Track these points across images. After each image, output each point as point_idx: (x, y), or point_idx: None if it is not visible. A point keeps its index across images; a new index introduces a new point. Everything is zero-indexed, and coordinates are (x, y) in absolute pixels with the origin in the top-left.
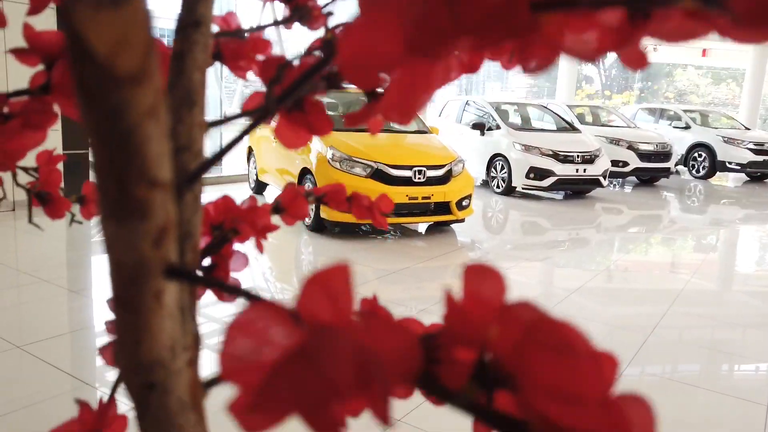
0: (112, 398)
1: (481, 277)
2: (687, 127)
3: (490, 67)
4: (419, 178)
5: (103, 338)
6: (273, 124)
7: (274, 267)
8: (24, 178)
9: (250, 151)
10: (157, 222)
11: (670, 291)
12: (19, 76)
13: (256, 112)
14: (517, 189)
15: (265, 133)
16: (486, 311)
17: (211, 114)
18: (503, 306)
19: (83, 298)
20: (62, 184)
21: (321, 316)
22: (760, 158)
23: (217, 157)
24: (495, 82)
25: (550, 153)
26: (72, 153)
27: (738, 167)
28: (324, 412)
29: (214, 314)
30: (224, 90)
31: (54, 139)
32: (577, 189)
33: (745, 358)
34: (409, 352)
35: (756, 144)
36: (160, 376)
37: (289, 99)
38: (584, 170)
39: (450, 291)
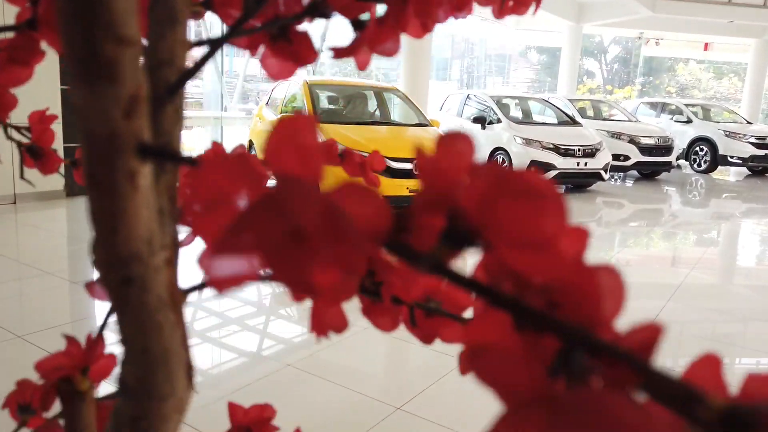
0: (100, 335)
1: (453, 141)
2: (688, 121)
3: (491, 62)
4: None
5: None
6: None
7: None
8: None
9: (250, 144)
10: (127, 88)
11: (670, 285)
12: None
13: (238, 23)
14: None
15: (265, 126)
16: (456, 170)
17: (212, 108)
18: (472, 165)
19: (84, 289)
20: (56, 146)
21: (288, 165)
22: (762, 152)
23: (199, 66)
24: (496, 77)
25: (551, 146)
26: (73, 146)
27: (739, 161)
28: (292, 261)
29: (214, 308)
30: (225, 86)
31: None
32: (578, 182)
33: (745, 350)
34: (377, 211)
35: (758, 138)
36: (138, 270)
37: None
38: (585, 164)
39: (420, 147)
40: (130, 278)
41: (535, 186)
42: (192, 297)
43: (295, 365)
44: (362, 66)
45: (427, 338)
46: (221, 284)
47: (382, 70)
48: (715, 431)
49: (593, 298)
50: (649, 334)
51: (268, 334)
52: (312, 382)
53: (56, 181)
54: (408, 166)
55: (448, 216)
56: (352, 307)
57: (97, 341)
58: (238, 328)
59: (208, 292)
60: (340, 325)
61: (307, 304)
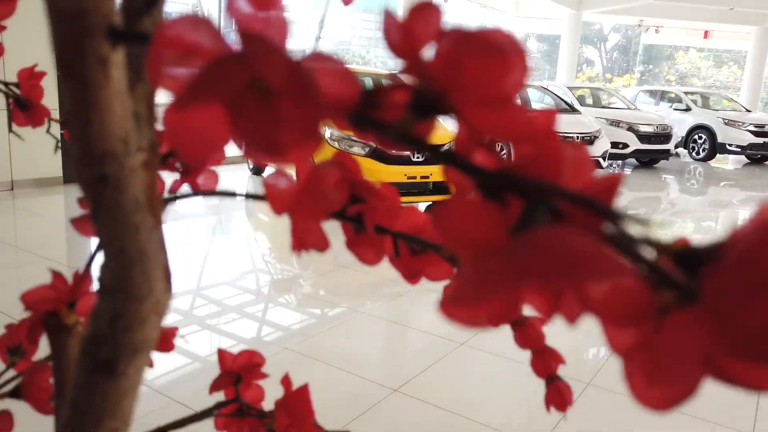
0: (87, 271)
1: (421, 9)
2: (687, 109)
3: None
4: (418, 157)
5: None
6: None
7: (272, 246)
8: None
9: None
10: None
11: None
12: None
13: None
14: None
15: None
16: (423, 36)
17: None
18: (440, 31)
19: (71, 225)
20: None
21: (252, 23)
22: (761, 140)
23: None
24: None
25: None
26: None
27: (738, 149)
28: (254, 115)
29: (213, 295)
30: None
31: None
32: None
33: None
34: (345, 82)
35: (756, 126)
36: (112, 168)
37: None
38: None
39: (388, 11)
40: (105, 176)
41: (496, 42)
42: (191, 285)
43: (293, 349)
44: (347, 1)
45: (412, 276)
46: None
47: (380, 58)
48: (668, 269)
49: (556, 159)
50: (610, 182)
51: (267, 321)
52: (310, 365)
53: (54, 168)
54: (406, 152)
55: (415, 84)
56: (348, 294)
57: (83, 277)
58: (237, 315)
59: (207, 280)
60: (320, 243)
61: (304, 289)
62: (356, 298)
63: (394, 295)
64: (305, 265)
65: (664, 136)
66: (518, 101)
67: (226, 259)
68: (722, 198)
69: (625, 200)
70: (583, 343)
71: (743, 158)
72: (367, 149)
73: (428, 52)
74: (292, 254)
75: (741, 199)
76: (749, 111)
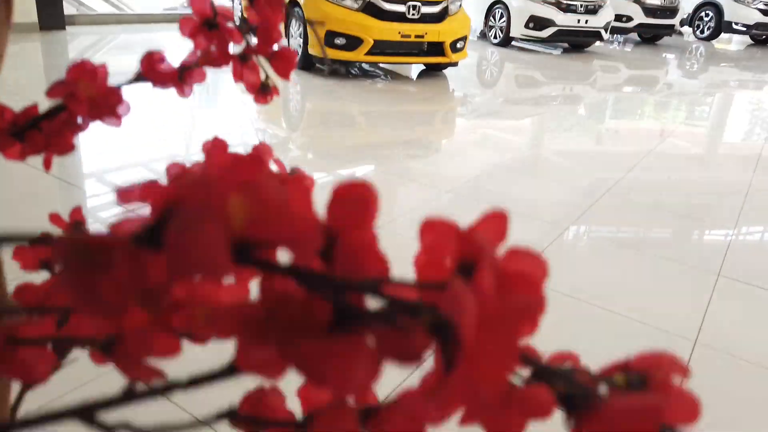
0: None
1: None
2: None
3: None
4: (413, 15)
5: (96, 161)
6: None
7: (260, 108)
8: None
9: None
10: None
11: (651, 151)
12: None
13: None
14: (514, 40)
15: None
16: None
17: None
18: None
19: None
20: None
21: None
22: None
23: None
24: None
25: (553, 1)
26: None
27: (744, 29)
28: None
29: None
30: None
31: None
32: (576, 41)
33: (709, 222)
34: None
35: (766, 4)
36: None
37: None
38: (586, 21)
39: None
40: None
41: None
42: (178, 151)
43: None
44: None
45: None
46: None
47: None
48: None
49: None
50: None
51: None
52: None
53: (29, 13)
54: (401, 8)
55: None
56: (336, 157)
57: None
58: None
59: (195, 146)
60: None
61: (292, 153)
62: (344, 160)
63: (384, 157)
64: (294, 125)
65: (670, 10)
66: None
67: (213, 123)
68: (720, 79)
69: (621, 79)
70: None
71: (747, 39)
72: (359, 3)
73: None
74: (281, 117)
75: (738, 80)
76: None
